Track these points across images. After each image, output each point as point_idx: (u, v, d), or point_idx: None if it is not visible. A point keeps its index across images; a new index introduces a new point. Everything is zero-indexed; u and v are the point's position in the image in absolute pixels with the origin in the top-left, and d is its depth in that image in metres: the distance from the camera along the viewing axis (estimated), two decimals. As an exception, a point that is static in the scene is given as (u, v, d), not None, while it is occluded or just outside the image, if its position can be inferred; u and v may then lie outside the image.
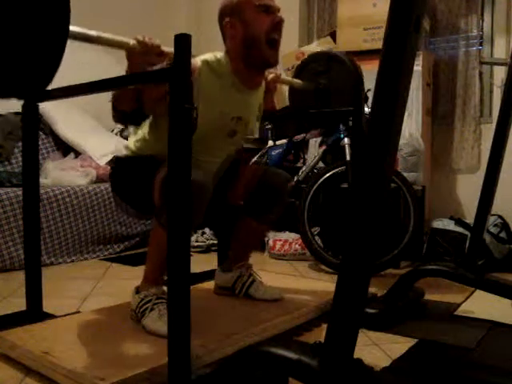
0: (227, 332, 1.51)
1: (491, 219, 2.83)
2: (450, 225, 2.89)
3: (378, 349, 1.58)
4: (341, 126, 2.77)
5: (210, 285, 2.03)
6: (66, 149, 3.52)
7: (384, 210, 0.91)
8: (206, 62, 1.60)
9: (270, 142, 3.16)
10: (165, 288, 1.55)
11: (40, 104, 1.72)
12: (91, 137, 3.51)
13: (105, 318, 1.67)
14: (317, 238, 2.76)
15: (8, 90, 1.27)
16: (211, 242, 3.28)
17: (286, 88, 3.41)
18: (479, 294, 2.12)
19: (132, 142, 1.72)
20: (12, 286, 2.31)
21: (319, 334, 1.68)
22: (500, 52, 3.17)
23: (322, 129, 2.93)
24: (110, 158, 3.41)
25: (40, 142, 3.36)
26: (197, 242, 3.29)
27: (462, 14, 3.27)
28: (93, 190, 3.06)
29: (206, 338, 1.44)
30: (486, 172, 1.91)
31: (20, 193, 2.59)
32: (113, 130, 3.85)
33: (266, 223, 1.93)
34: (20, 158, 3.21)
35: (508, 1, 3.13)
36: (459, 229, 2.83)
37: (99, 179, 3.26)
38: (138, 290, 1.63)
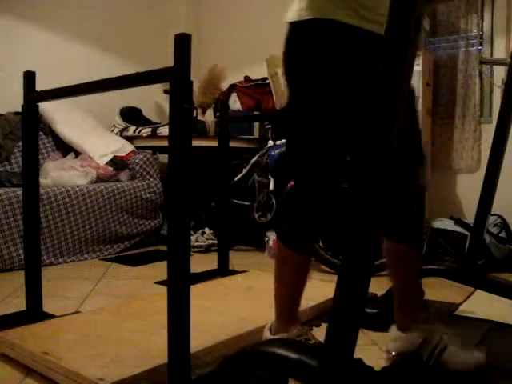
0: (227, 332, 1.51)
1: (491, 219, 2.83)
2: (450, 225, 2.89)
3: (378, 349, 1.58)
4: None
5: (209, 285, 2.03)
6: (66, 149, 3.52)
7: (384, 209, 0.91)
8: None
9: (270, 142, 3.16)
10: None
11: (40, 104, 1.72)
12: (91, 137, 3.51)
13: (105, 318, 1.67)
14: (317, 238, 2.76)
15: None
16: (211, 241, 3.28)
17: (285, 88, 3.41)
18: (479, 294, 2.12)
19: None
20: (12, 286, 2.31)
21: (319, 334, 1.68)
22: (500, 52, 3.17)
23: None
24: (110, 157, 3.41)
25: (40, 142, 3.36)
26: (197, 241, 3.29)
27: (461, 14, 3.28)
28: (93, 189, 3.06)
29: (205, 338, 1.44)
30: (485, 172, 1.91)
31: (20, 193, 2.59)
32: (113, 130, 3.85)
33: (406, 240, 1.36)
34: (20, 158, 3.21)
35: (508, 1, 3.13)
36: (459, 229, 2.83)
37: (99, 179, 3.26)
38: (271, 330, 1.39)
